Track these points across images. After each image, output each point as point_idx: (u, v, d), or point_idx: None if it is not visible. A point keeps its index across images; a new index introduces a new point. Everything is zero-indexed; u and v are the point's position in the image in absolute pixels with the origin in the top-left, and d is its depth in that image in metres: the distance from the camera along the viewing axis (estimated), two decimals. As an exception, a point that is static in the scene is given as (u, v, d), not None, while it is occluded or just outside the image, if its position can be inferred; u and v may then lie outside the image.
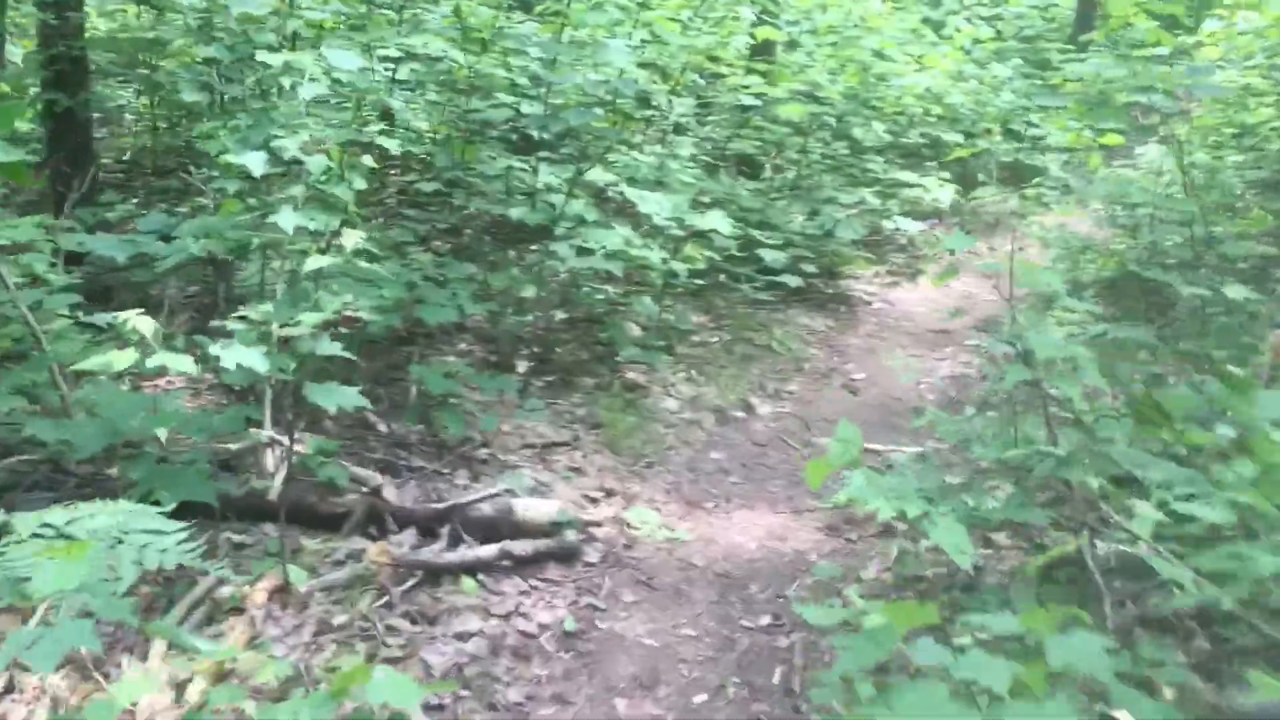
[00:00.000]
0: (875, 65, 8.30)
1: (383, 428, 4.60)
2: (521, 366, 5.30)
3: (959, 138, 9.24)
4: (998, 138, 8.68)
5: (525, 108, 5.58)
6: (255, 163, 3.16)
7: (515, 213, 5.15)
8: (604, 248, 4.95)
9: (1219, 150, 7.20)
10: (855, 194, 7.73)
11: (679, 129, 6.55)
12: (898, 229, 7.95)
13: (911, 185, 8.14)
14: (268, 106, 3.41)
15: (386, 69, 5.53)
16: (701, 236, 5.39)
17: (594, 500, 4.35)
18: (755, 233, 6.15)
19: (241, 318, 3.18)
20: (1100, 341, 3.58)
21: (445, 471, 4.32)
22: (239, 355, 2.94)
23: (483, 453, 4.51)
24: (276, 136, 3.19)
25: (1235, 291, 3.81)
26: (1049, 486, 3.38)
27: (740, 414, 5.46)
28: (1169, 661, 2.76)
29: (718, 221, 5.14)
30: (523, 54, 5.48)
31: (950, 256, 3.49)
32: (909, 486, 3.46)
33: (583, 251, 4.88)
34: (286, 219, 3.13)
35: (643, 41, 5.98)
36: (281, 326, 3.01)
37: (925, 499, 3.47)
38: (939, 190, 8.06)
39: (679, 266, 5.05)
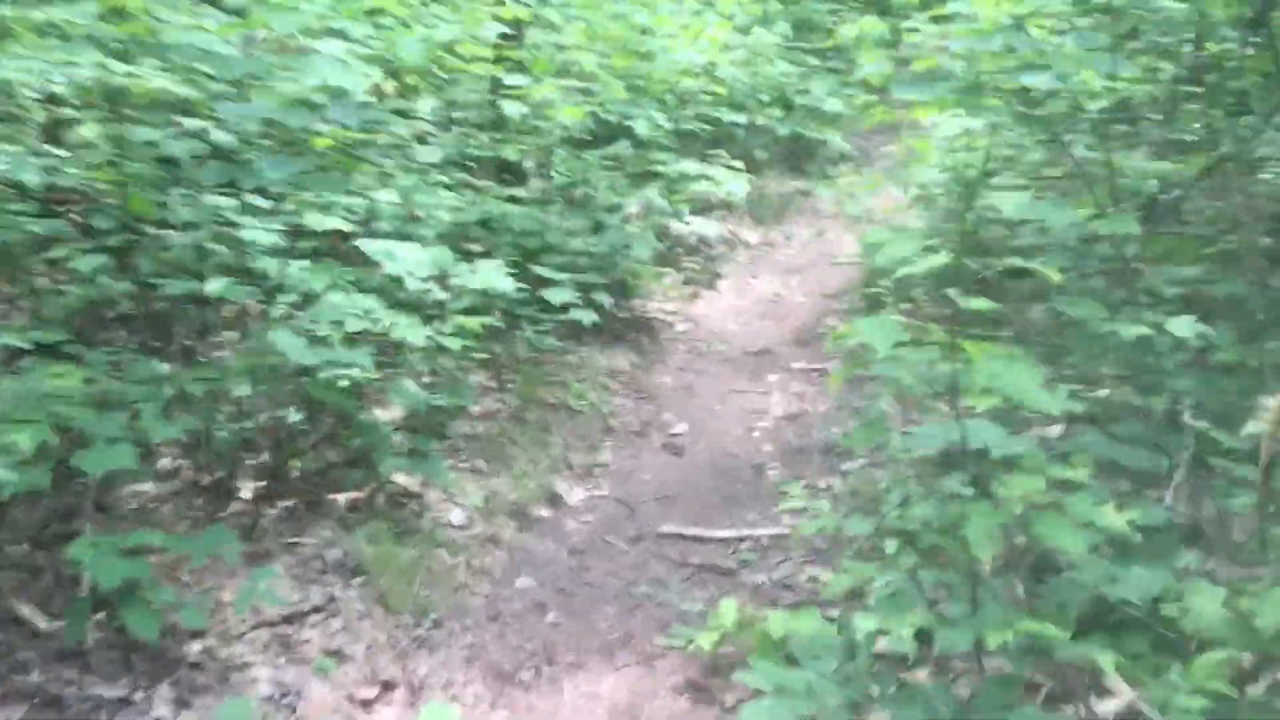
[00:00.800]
0: (644, 42, 7.20)
1: (42, 624, 3.16)
2: (248, 490, 3.91)
3: (738, 117, 8.31)
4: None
5: (217, 135, 4.13)
6: None
7: (212, 287, 3.75)
8: (341, 326, 3.64)
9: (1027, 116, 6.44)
10: (639, 195, 6.62)
11: (422, 141, 5.22)
12: (691, 231, 6.95)
13: (698, 178, 7.10)
14: None
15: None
16: (476, 293, 4.12)
17: (366, 703, 3.08)
18: (538, 269, 4.93)
19: None
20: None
21: (136, 698, 2.93)
22: None
23: (195, 649, 3.14)
24: None
25: (1181, 327, 2.92)
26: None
27: (545, 511, 4.27)
28: None
29: (493, 277, 3.90)
30: (205, 62, 4.02)
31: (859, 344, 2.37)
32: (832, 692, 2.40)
33: (314, 340, 3.53)
34: None
35: (366, 38, 4.60)
36: None
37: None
38: (731, 181, 7.07)
39: (449, 342, 3.78)
